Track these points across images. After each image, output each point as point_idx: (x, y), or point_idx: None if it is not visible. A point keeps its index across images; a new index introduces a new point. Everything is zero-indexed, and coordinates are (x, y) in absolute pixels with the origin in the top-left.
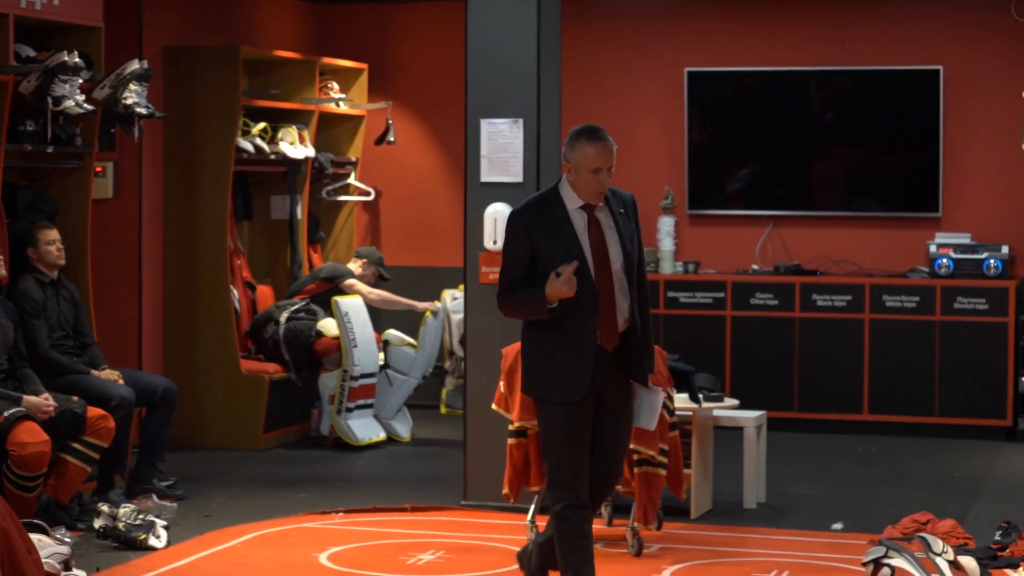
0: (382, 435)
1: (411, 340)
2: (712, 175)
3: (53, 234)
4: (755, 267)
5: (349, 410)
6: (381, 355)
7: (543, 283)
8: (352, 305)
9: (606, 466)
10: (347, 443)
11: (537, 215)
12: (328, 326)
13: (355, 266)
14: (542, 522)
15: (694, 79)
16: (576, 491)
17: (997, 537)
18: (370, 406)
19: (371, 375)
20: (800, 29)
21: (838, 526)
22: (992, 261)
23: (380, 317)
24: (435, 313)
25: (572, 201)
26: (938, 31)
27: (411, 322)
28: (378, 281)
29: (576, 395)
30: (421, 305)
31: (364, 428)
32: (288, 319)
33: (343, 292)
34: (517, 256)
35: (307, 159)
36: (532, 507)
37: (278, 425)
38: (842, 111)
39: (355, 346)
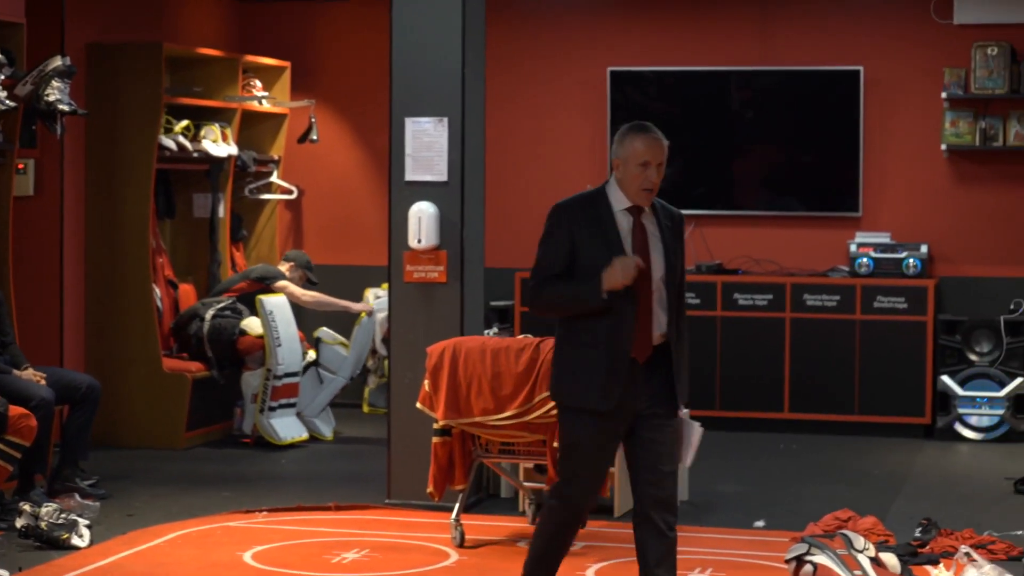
0: (304, 434)
1: (343, 339)
2: None
3: None
4: None
5: (272, 409)
6: (312, 352)
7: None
8: (276, 304)
9: (660, 482)
10: (270, 442)
11: (581, 211)
12: (252, 324)
13: (283, 269)
14: (466, 520)
15: (616, 78)
16: (580, 507)
17: (917, 534)
18: (293, 405)
19: (294, 374)
20: (722, 29)
21: (760, 523)
22: (911, 260)
23: (311, 316)
24: (370, 314)
25: (619, 202)
26: (859, 32)
27: (345, 322)
28: (306, 284)
29: (604, 405)
30: (356, 306)
31: (287, 427)
32: (213, 316)
33: (274, 293)
34: (555, 251)
35: (230, 157)
36: (456, 506)
37: (201, 424)
38: (763, 111)
39: (279, 345)
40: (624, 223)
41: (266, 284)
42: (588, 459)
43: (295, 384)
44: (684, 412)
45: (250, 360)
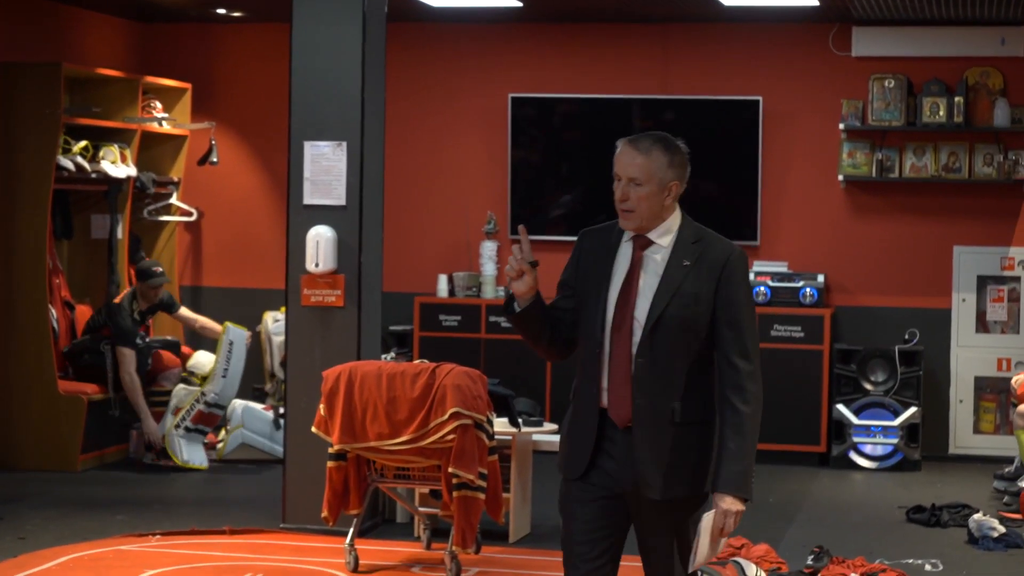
0: (204, 464)
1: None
2: (535, 201)
3: None
4: None
5: (188, 430)
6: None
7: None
8: (239, 336)
9: None
10: (171, 457)
11: (597, 239)
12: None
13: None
14: (360, 545)
15: (518, 104)
16: None
17: (809, 561)
18: (205, 433)
19: (222, 407)
20: (623, 58)
21: None
22: (808, 290)
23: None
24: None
25: (628, 230)
26: (758, 63)
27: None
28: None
29: (572, 472)
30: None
31: (191, 451)
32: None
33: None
34: (563, 279)
35: (129, 178)
36: (351, 530)
37: (96, 446)
38: None
39: (223, 376)
40: (624, 256)
41: (169, 311)
42: (567, 529)
43: (218, 415)
44: (706, 516)
45: (163, 378)
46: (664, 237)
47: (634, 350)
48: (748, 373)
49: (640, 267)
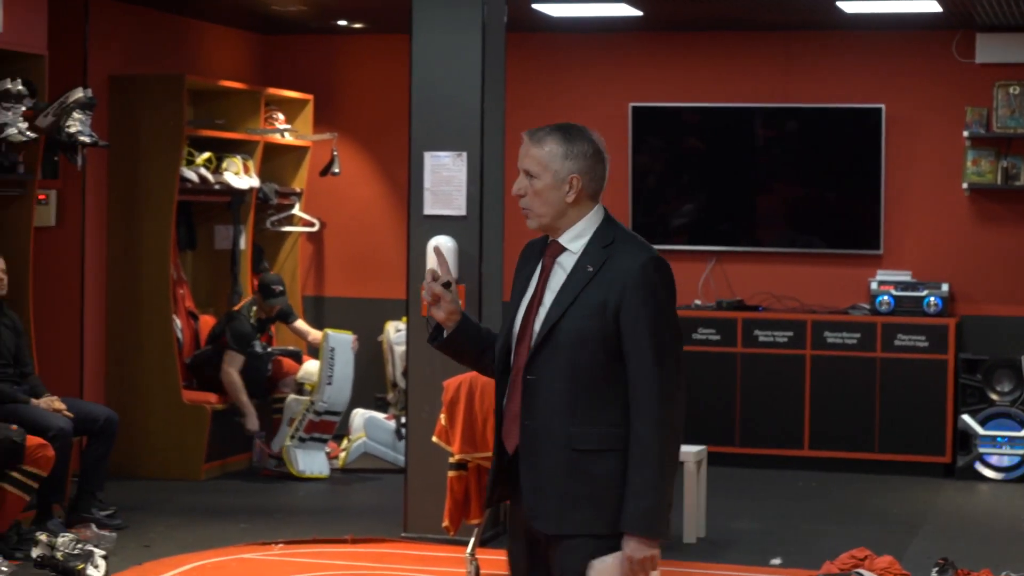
0: (325, 473)
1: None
2: (656, 210)
3: None
4: (697, 302)
5: (303, 440)
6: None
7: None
8: (340, 341)
9: None
10: (288, 470)
11: (531, 249)
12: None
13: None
14: (482, 555)
15: (638, 114)
16: None
17: (934, 574)
18: (325, 441)
19: (336, 414)
20: (745, 66)
21: (777, 561)
22: (932, 299)
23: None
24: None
25: (533, 229)
26: (880, 70)
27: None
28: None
29: (487, 499)
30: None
31: (308, 461)
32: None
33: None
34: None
35: (251, 189)
36: (472, 540)
37: (219, 455)
38: (785, 148)
39: (329, 383)
40: (543, 262)
41: (286, 321)
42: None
43: (332, 423)
44: (606, 560)
45: (282, 384)
46: (575, 242)
47: (524, 362)
48: (655, 396)
49: (548, 276)
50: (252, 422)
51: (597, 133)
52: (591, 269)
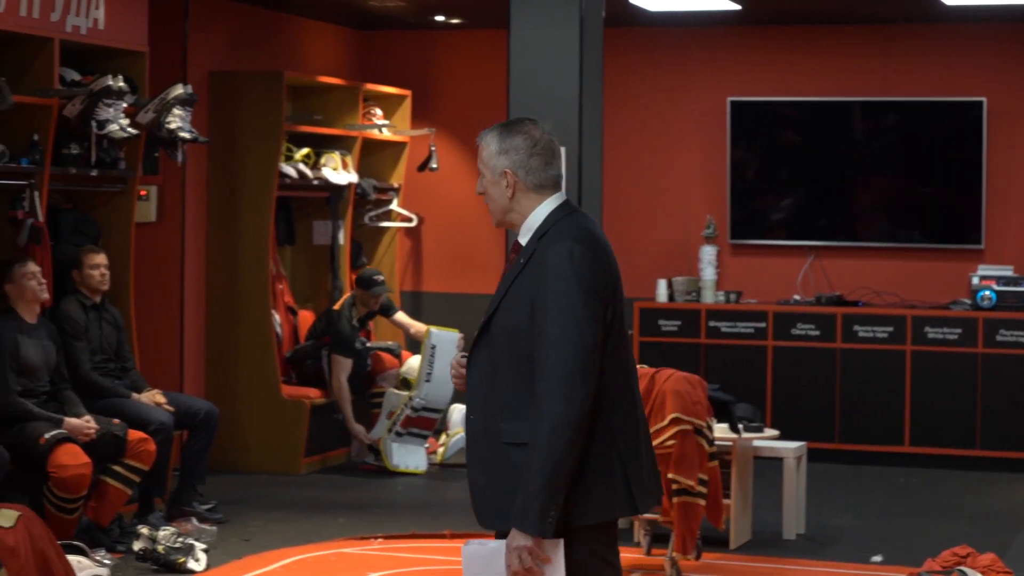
0: (422, 468)
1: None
2: (754, 205)
3: (99, 259)
4: (797, 297)
5: (399, 434)
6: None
7: None
8: (443, 339)
9: None
10: (383, 463)
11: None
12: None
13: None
14: None
15: (737, 108)
16: None
17: None
18: (424, 437)
19: (435, 411)
20: (843, 60)
21: (878, 558)
22: None
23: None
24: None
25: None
26: (982, 63)
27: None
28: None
29: None
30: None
31: (403, 455)
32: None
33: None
34: None
35: (350, 185)
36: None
37: (318, 450)
38: (885, 142)
39: (428, 380)
40: (509, 257)
41: (387, 314)
42: None
43: (432, 420)
44: (484, 544)
45: (380, 379)
46: (524, 236)
47: (473, 358)
48: (547, 391)
49: (505, 272)
50: (358, 434)
51: (547, 125)
52: (522, 262)
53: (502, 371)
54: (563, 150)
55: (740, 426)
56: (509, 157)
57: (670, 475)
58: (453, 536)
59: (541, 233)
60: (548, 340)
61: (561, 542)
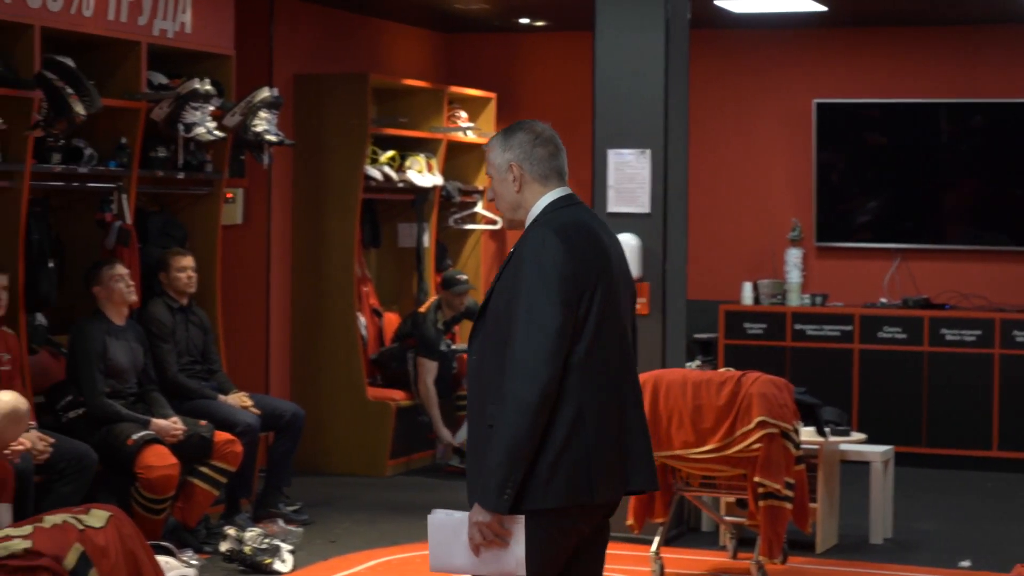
0: None
1: None
2: (840, 207)
3: (186, 261)
4: (883, 300)
5: None
6: None
7: None
8: None
9: None
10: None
11: None
12: None
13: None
14: (666, 554)
15: (823, 110)
16: None
17: None
18: None
19: None
20: (929, 61)
21: (966, 564)
22: None
23: None
24: None
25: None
26: None
27: None
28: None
29: None
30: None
31: None
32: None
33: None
34: None
35: (435, 187)
36: (656, 539)
37: (404, 452)
38: (971, 144)
39: None
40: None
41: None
42: None
43: None
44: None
45: (466, 381)
46: (525, 227)
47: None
48: (511, 373)
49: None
50: (444, 438)
51: (545, 124)
52: (512, 251)
53: (489, 355)
54: (649, 152)
55: (827, 430)
56: (514, 151)
57: (756, 479)
58: None
59: (531, 222)
60: (516, 323)
61: (521, 519)
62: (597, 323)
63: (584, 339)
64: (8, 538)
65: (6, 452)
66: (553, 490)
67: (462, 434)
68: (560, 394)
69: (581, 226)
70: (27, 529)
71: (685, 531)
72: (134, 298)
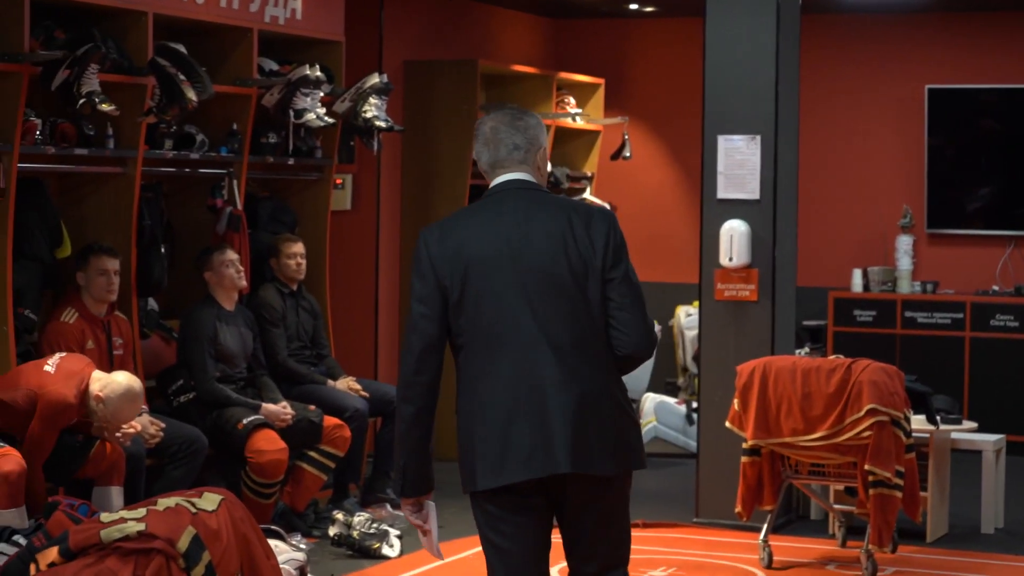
0: None
1: None
2: (952, 193)
3: (297, 247)
4: (995, 288)
5: None
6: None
7: None
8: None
9: None
10: None
11: None
12: None
13: None
14: (774, 541)
15: (935, 96)
16: None
17: None
18: None
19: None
20: None
21: None
22: None
23: None
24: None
25: None
26: None
27: None
28: None
29: None
30: None
31: None
32: None
33: None
34: None
35: None
36: (765, 526)
37: None
38: None
39: None
40: None
41: None
42: None
43: None
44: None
45: None
46: None
47: None
48: None
49: None
50: None
51: (504, 111)
52: None
53: None
54: (759, 138)
55: (938, 418)
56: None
57: (866, 467)
58: (646, 525)
59: None
60: None
61: (429, 501)
62: (476, 305)
63: (463, 324)
64: (122, 520)
65: (117, 435)
66: (465, 475)
67: None
68: (458, 381)
69: (464, 213)
70: (141, 512)
71: (794, 519)
72: (244, 283)
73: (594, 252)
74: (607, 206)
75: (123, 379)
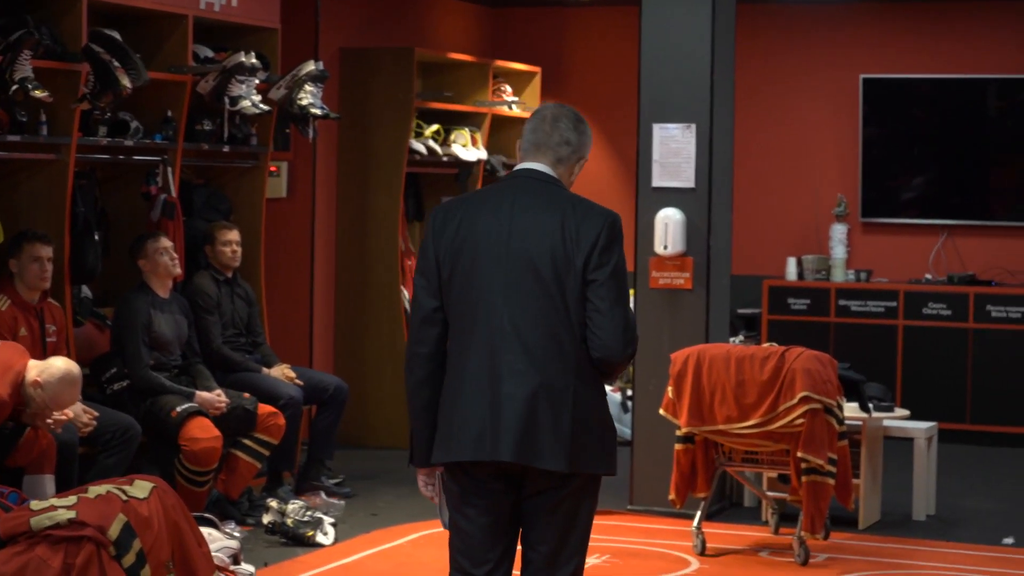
0: None
1: None
2: (886, 183)
3: (231, 235)
4: (928, 276)
5: None
6: None
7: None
8: None
9: None
10: None
11: None
12: None
13: None
14: (708, 528)
15: (869, 86)
16: None
17: None
18: None
19: None
20: (978, 37)
21: (1009, 541)
22: None
23: None
24: None
25: None
26: None
27: None
28: None
29: None
30: None
31: None
32: None
33: None
34: None
35: (479, 161)
36: (698, 513)
37: None
38: (1019, 120)
39: None
40: None
41: None
42: None
43: None
44: None
45: None
46: None
47: None
48: None
49: None
50: None
51: (570, 108)
52: None
53: None
54: (694, 127)
55: (870, 406)
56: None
57: (799, 454)
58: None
59: None
60: None
61: (436, 473)
62: (460, 286)
63: (450, 303)
64: (52, 508)
65: (48, 422)
66: (437, 447)
67: None
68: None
69: (473, 195)
70: (71, 500)
71: (727, 506)
72: (178, 271)
73: (578, 251)
74: (617, 214)
75: (61, 364)
